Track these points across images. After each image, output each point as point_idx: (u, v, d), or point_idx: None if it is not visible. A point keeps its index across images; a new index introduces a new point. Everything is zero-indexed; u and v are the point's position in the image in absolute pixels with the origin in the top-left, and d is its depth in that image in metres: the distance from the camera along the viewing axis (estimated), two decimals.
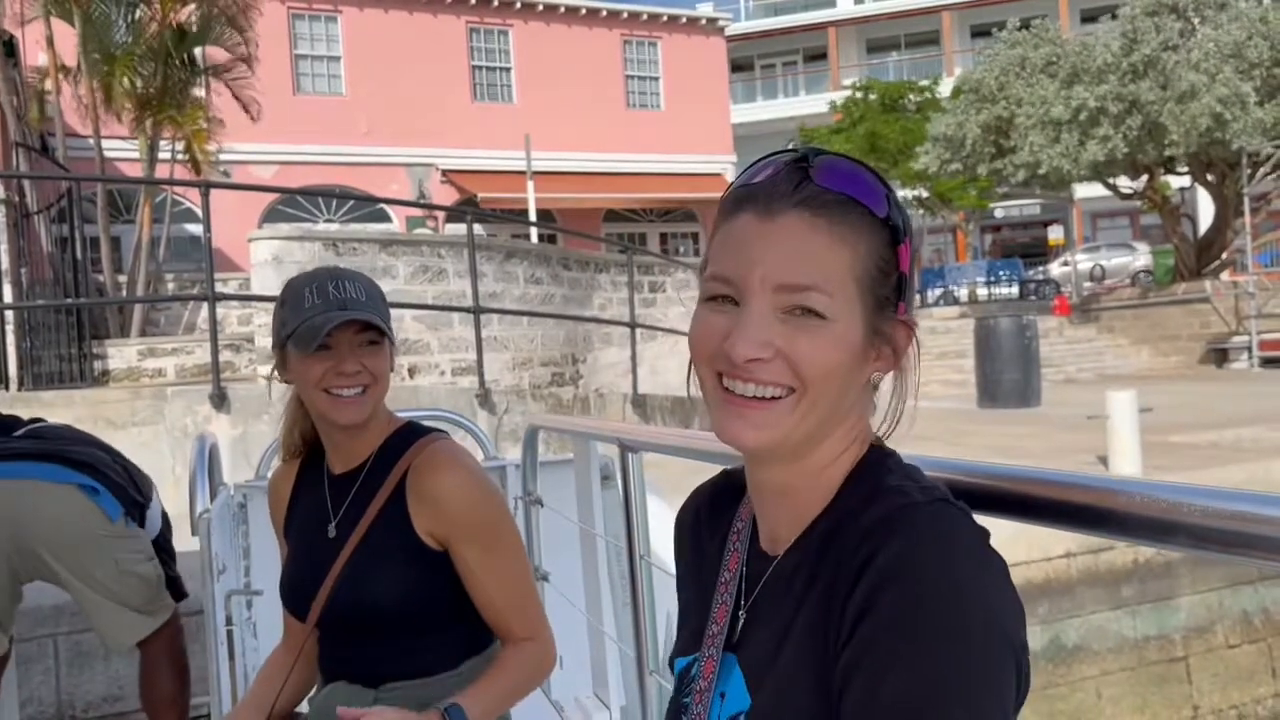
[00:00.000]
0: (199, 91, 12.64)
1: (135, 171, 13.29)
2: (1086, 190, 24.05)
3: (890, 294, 0.84)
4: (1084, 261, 26.36)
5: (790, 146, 0.92)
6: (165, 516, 3.04)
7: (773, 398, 0.82)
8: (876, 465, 0.87)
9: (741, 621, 0.90)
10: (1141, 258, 25.71)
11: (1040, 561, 5.86)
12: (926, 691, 0.71)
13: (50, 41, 11.31)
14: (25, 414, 2.93)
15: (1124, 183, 20.54)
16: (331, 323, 1.58)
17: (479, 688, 1.61)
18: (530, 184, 18.18)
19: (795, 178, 0.84)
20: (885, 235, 0.84)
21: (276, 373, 1.69)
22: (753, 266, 0.82)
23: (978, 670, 0.72)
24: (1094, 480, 0.88)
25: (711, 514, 1.01)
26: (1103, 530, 0.86)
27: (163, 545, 2.97)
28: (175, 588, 2.96)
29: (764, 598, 0.89)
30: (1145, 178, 19.98)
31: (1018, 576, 5.17)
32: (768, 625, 0.87)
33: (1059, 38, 19.68)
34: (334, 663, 1.72)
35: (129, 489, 2.85)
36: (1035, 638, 5.81)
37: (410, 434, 1.73)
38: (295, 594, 1.72)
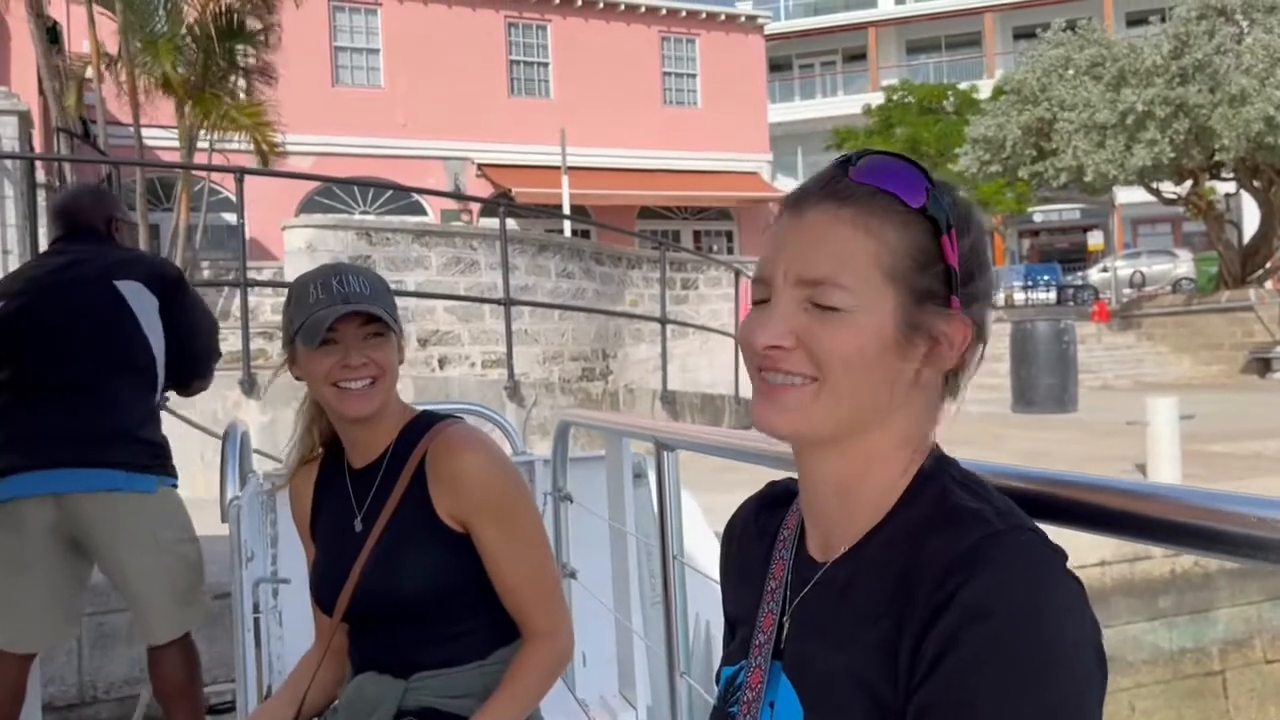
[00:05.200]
0: (236, 85, 12.75)
1: (174, 160, 13.43)
2: (1127, 195, 23.75)
3: (934, 286, 0.82)
4: (1124, 267, 25.99)
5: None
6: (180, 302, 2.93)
7: (796, 385, 0.83)
8: (938, 475, 0.84)
9: (786, 629, 0.88)
10: (1183, 265, 25.33)
11: (1074, 569, 5.76)
12: None
13: (92, 21, 11.44)
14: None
15: (1168, 188, 20.24)
16: (334, 315, 1.60)
17: (499, 699, 1.61)
18: (565, 179, 18.20)
19: (834, 174, 0.85)
20: (923, 226, 0.83)
21: (289, 368, 1.71)
22: (778, 261, 0.84)
23: (1064, 708, 0.72)
24: (1188, 493, 0.82)
25: (758, 524, 1.00)
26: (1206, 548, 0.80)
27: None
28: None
29: (812, 606, 0.87)
30: (1190, 183, 19.67)
31: None
32: (820, 637, 0.85)
33: (1105, 39, 19.41)
34: (365, 654, 1.73)
35: (152, 438, 2.83)
36: None
37: (426, 421, 1.74)
38: (324, 590, 1.73)
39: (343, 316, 1.61)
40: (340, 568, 1.69)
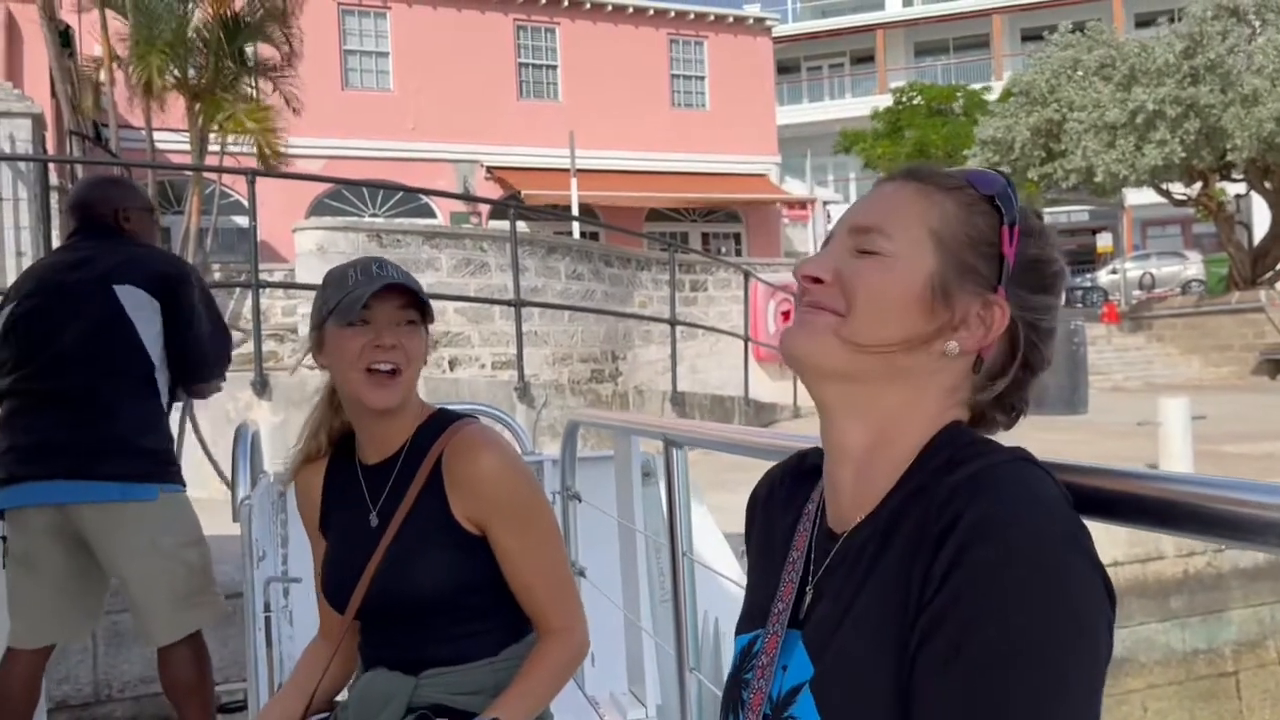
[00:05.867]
0: (248, 86, 12.80)
1: (186, 162, 13.47)
2: (1137, 197, 23.65)
3: (980, 266, 0.86)
4: (1134, 269, 25.89)
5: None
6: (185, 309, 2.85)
7: (823, 309, 0.87)
8: (951, 439, 0.86)
9: (808, 599, 0.89)
10: (1193, 266, 25.21)
11: None
12: (1012, 649, 0.71)
13: (104, 25, 11.49)
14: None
15: (1178, 189, 20.17)
16: (374, 288, 1.60)
17: (514, 692, 1.61)
18: (574, 181, 18.21)
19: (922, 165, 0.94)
20: (985, 208, 0.87)
21: (311, 356, 1.70)
22: (844, 218, 0.91)
23: (1069, 632, 0.72)
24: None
25: (785, 493, 1.01)
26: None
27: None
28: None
29: (831, 575, 0.88)
30: (1200, 184, 19.60)
31: None
32: (833, 600, 0.86)
33: (1114, 40, 19.36)
34: (375, 650, 1.72)
35: (154, 440, 2.79)
36: None
37: (443, 420, 1.74)
38: (336, 586, 1.73)
39: (381, 297, 1.61)
40: (354, 565, 1.68)
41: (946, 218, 0.86)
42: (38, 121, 7.68)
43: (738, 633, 0.98)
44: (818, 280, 0.87)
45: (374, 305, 1.62)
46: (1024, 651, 0.71)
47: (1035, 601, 0.72)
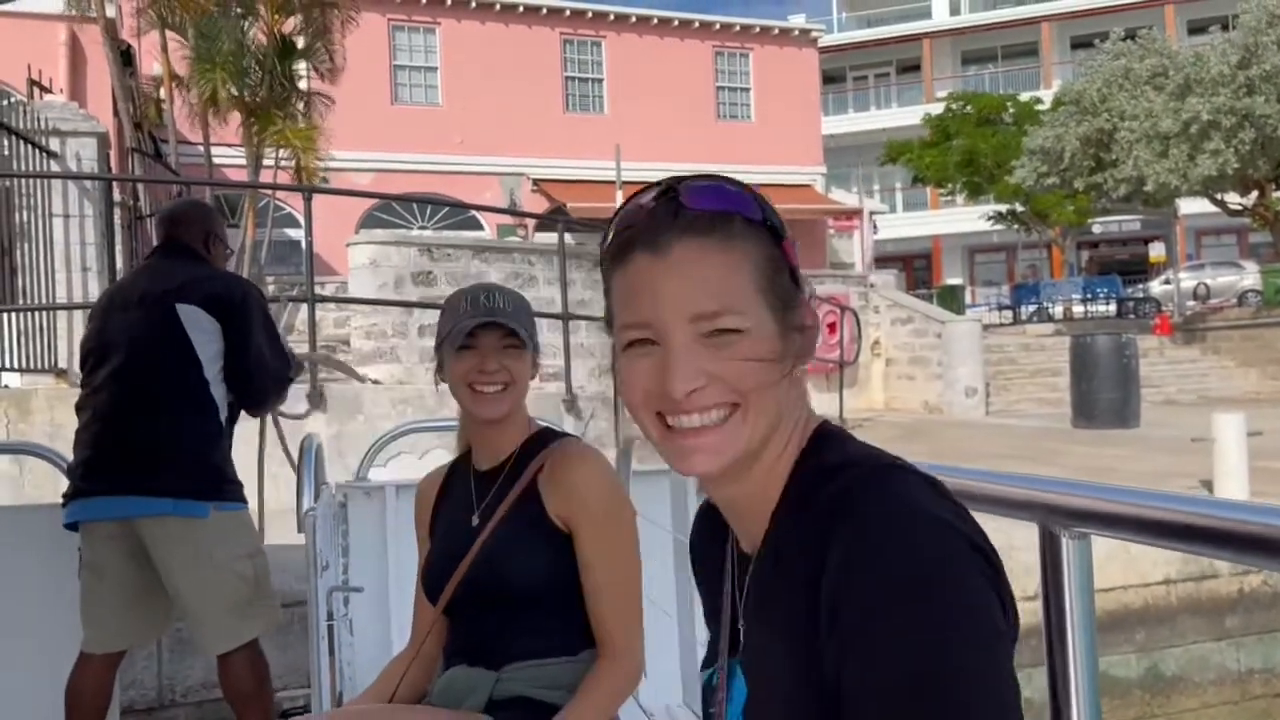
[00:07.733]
0: (297, 107, 13.04)
1: (241, 178, 13.74)
2: (1191, 206, 23.27)
3: (788, 287, 0.88)
4: (1187, 280, 25.45)
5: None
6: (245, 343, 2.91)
7: (719, 422, 0.85)
8: (819, 446, 0.90)
9: (742, 627, 0.93)
10: (1249, 276, 24.74)
11: (1138, 587, 5.67)
12: (917, 670, 0.73)
13: (164, 47, 11.79)
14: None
15: (1233, 199, 19.82)
16: (474, 323, 1.78)
17: (575, 709, 1.68)
18: (619, 194, 18.31)
19: (671, 208, 0.87)
20: (766, 237, 0.88)
21: (437, 375, 1.89)
22: (663, 303, 0.85)
23: (961, 635, 0.74)
24: None
25: (710, 529, 1.04)
26: None
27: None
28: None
29: (752, 598, 0.92)
30: (1256, 194, 19.24)
31: (1113, 602, 4.82)
32: (756, 622, 0.90)
33: (1167, 48, 19.09)
34: (459, 643, 1.83)
35: (208, 461, 2.83)
36: (1131, 666, 5.62)
37: (549, 435, 1.91)
38: (435, 577, 1.85)
39: (485, 326, 1.79)
40: (452, 558, 1.81)
41: (759, 269, 0.86)
42: (102, 140, 7.91)
43: (702, 669, 1.02)
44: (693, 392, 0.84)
45: (479, 333, 1.79)
46: (928, 671, 0.73)
47: (921, 620, 0.74)
